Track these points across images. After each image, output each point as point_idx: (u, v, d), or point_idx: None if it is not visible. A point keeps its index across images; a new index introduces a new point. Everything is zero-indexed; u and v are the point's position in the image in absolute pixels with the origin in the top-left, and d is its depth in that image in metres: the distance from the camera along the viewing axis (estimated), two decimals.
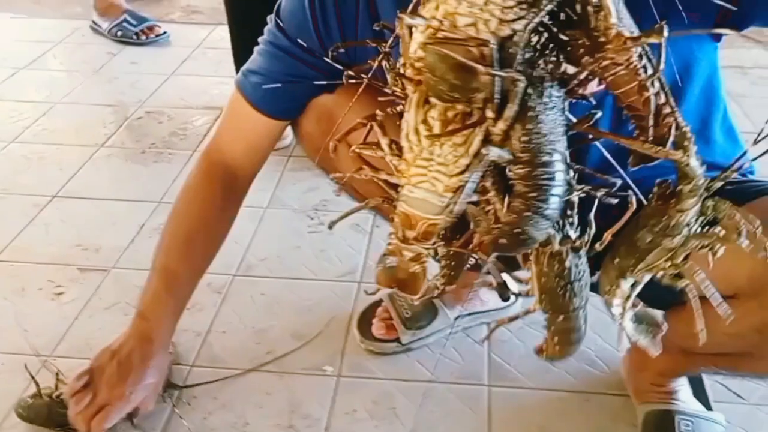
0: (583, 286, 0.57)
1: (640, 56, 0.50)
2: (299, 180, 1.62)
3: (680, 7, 0.58)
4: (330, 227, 0.59)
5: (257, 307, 1.28)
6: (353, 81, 0.89)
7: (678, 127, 0.52)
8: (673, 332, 0.93)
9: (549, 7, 0.46)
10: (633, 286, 0.58)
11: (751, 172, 0.96)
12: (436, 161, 0.52)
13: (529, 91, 0.48)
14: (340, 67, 0.88)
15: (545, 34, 0.49)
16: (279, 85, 0.93)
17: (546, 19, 0.48)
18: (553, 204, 0.48)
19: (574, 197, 0.55)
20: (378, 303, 1.21)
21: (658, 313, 0.90)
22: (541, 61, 0.49)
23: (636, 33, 0.50)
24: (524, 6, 0.46)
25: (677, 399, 1.02)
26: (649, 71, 0.51)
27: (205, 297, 1.27)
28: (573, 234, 0.55)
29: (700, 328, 0.60)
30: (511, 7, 0.46)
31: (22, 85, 2.09)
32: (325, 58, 0.90)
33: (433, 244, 0.59)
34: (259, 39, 0.97)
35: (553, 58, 0.50)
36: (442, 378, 1.13)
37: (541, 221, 0.48)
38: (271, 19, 0.95)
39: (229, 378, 1.12)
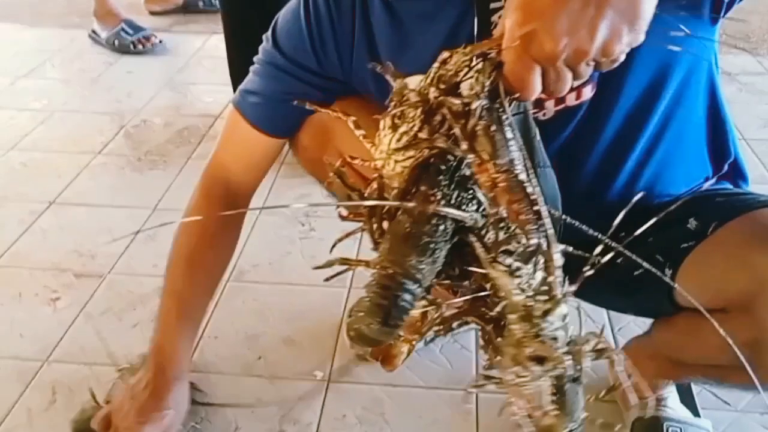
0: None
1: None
2: (291, 187, 1.63)
3: None
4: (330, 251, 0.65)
5: (249, 313, 1.29)
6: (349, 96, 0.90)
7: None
8: (663, 342, 0.93)
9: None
10: None
11: (744, 179, 0.96)
12: None
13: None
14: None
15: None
16: (278, 106, 0.93)
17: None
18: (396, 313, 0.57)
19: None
20: None
21: None
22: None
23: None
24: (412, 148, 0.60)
25: (665, 406, 1.03)
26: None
27: None
28: None
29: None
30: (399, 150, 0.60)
31: (21, 93, 2.11)
32: (323, 76, 0.92)
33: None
34: (255, 58, 0.96)
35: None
36: (430, 384, 1.14)
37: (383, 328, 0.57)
38: (267, 37, 0.94)
39: (220, 383, 1.14)
